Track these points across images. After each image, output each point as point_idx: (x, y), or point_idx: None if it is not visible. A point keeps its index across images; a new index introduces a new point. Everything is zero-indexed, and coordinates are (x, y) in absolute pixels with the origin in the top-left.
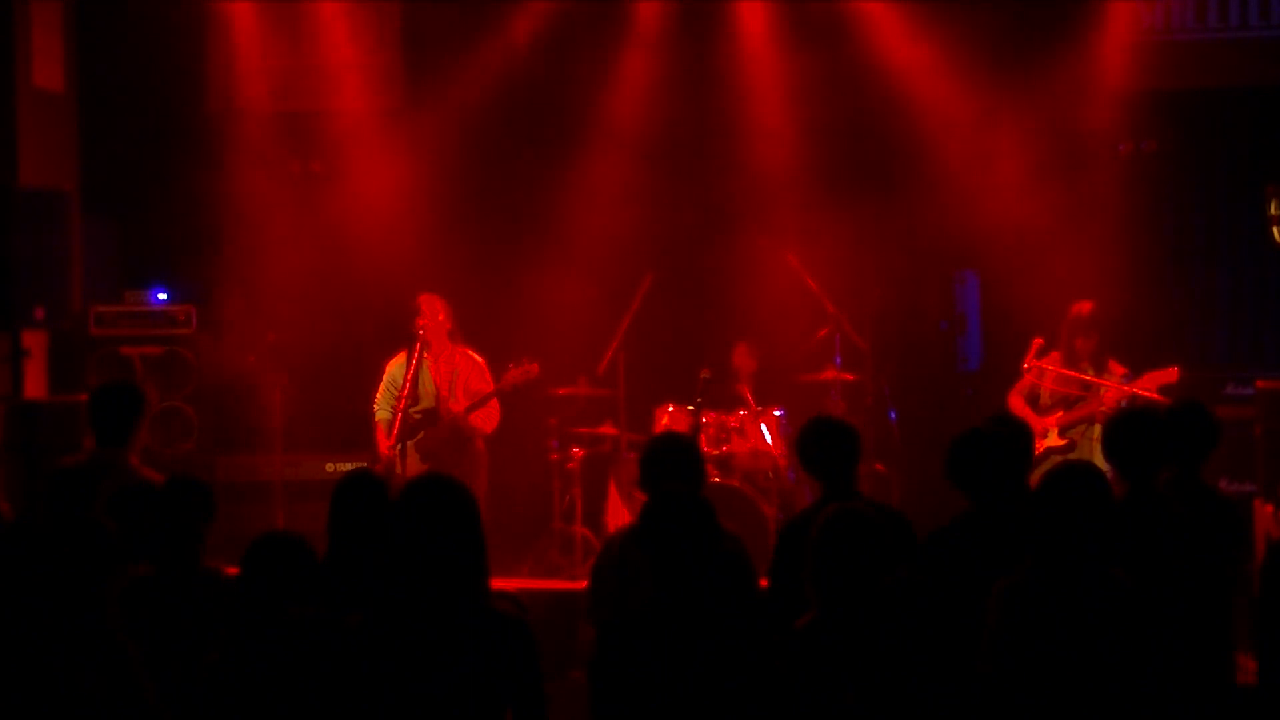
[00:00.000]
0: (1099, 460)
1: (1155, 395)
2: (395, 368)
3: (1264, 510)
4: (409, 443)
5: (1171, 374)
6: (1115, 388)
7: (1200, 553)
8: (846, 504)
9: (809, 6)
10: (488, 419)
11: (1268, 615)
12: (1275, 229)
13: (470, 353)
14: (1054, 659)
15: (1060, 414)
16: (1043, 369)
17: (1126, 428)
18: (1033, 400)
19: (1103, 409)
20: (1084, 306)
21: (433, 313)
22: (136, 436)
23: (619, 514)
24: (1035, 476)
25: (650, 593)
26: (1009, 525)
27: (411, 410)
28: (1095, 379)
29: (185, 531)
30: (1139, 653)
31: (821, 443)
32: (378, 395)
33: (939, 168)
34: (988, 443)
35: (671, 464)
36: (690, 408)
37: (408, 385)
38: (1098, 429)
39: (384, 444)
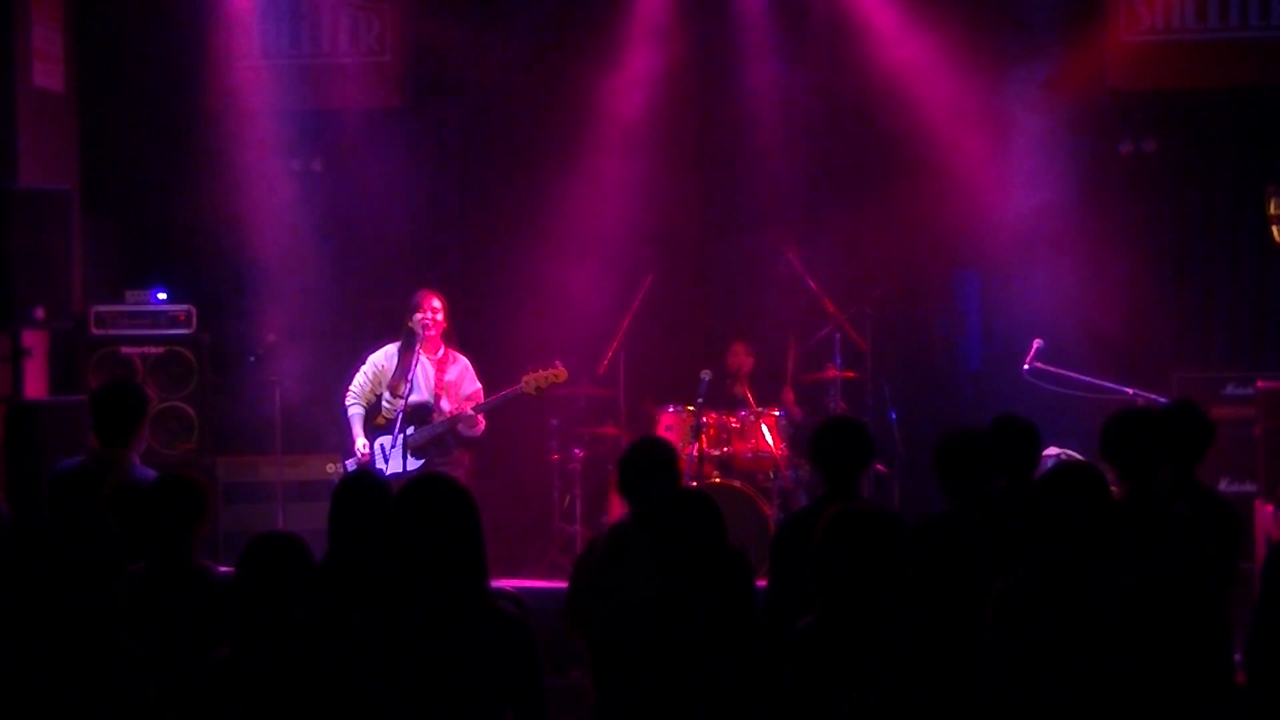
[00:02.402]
0: None
1: (1140, 390)
2: (384, 360)
3: (1264, 510)
4: (400, 437)
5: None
6: (1113, 388)
7: (1200, 553)
8: (850, 504)
9: (810, 5)
10: (479, 423)
11: (1268, 615)
12: (1275, 229)
13: (459, 354)
14: (1054, 659)
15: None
16: (1042, 369)
17: (1124, 428)
18: None
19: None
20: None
21: (435, 311)
22: (138, 437)
23: (619, 514)
24: None
25: (653, 591)
26: (1000, 524)
27: (406, 404)
28: (1076, 375)
29: (176, 529)
30: (1139, 653)
31: (834, 441)
32: (354, 385)
33: (939, 167)
34: (974, 441)
35: (649, 470)
36: (690, 408)
37: (409, 382)
38: None
39: (360, 440)
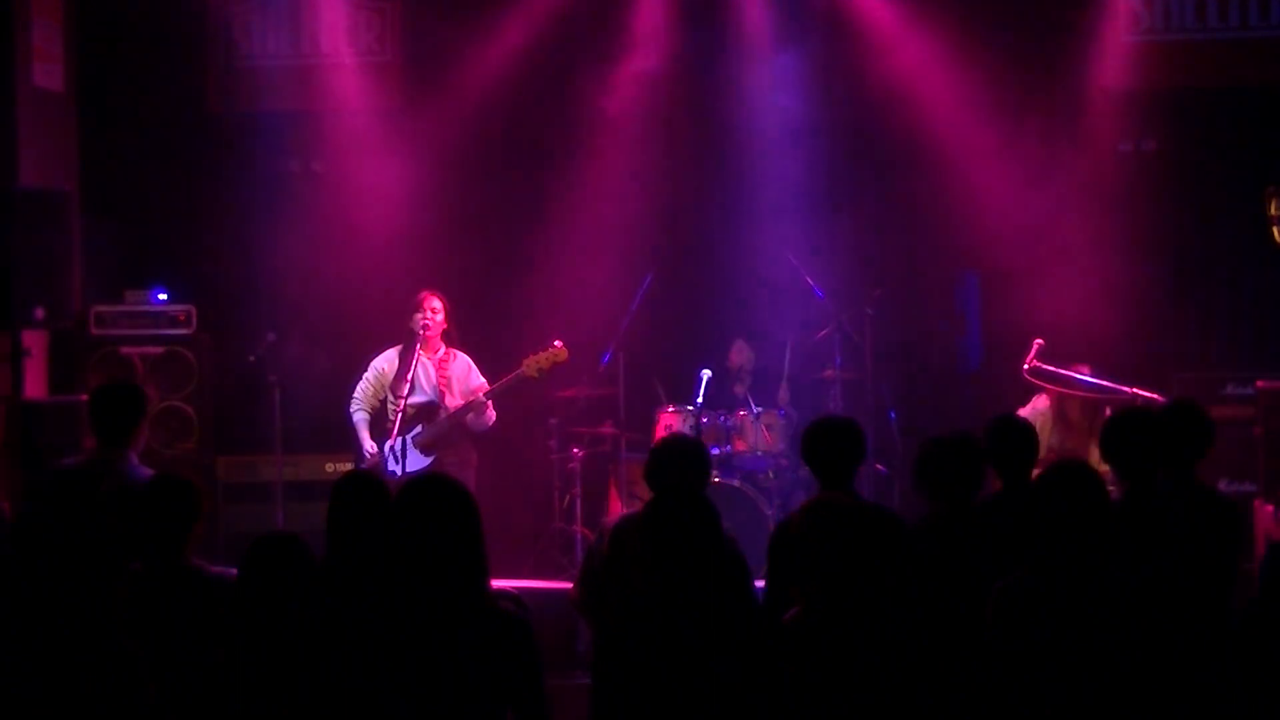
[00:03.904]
0: None
1: (1140, 390)
2: (385, 364)
3: (1264, 510)
4: (406, 437)
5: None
6: (1113, 388)
7: (1200, 553)
8: (827, 498)
9: (811, 4)
10: (490, 414)
11: (1267, 615)
12: (1275, 229)
13: (460, 352)
14: (1053, 659)
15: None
16: (1040, 369)
17: (1124, 428)
18: (1060, 447)
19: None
20: (1083, 369)
21: (434, 311)
22: (137, 436)
23: (619, 513)
24: None
25: (651, 589)
26: (993, 523)
27: (407, 404)
28: (1074, 374)
29: (171, 530)
30: (1138, 653)
31: (823, 440)
32: (357, 392)
33: (939, 168)
34: (966, 447)
35: (678, 465)
36: (690, 408)
37: (408, 382)
38: None
39: (367, 445)
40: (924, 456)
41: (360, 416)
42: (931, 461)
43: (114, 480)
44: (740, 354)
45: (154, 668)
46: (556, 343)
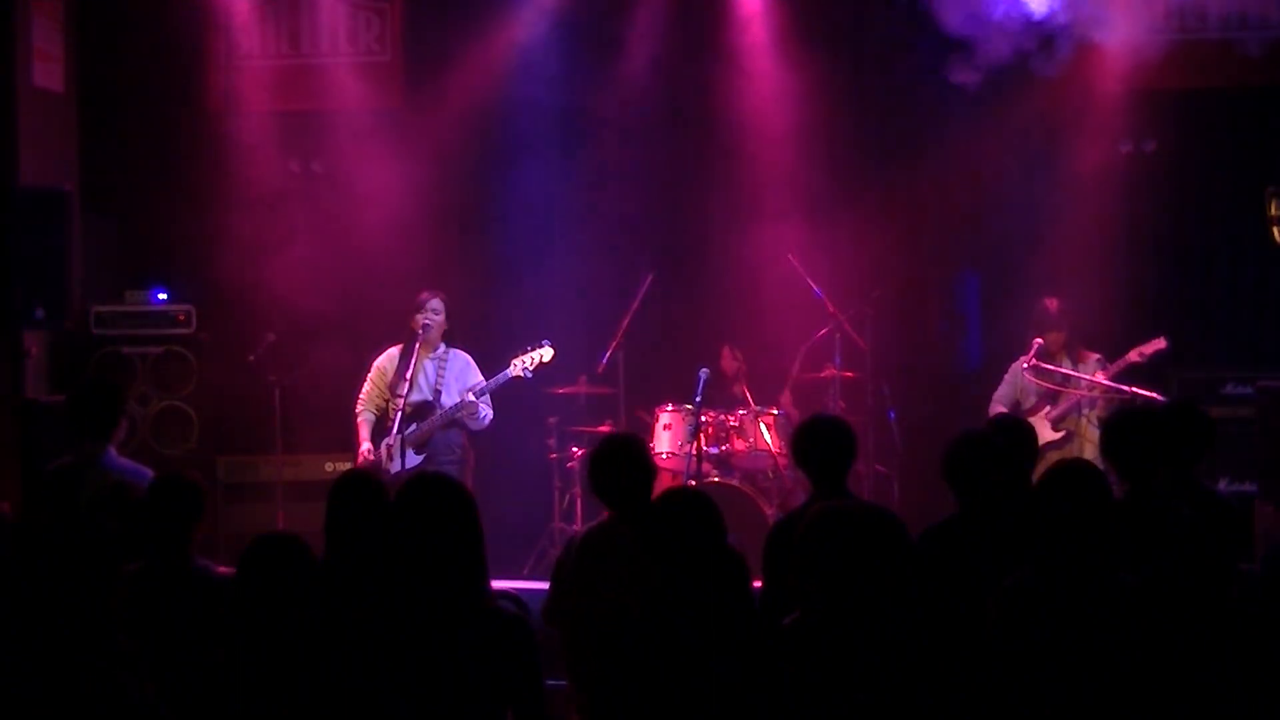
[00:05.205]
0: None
1: (1139, 389)
2: (386, 363)
3: (1264, 510)
4: (403, 436)
5: (1159, 342)
6: (1100, 383)
7: (1200, 553)
8: (831, 502)
9: (811, 5)
10: (485, 413)
11: (1267, 615)
12: (1275, 229)
13: (459, 351)
14: (1054, 659)
15: (1047, 409)
16: (1041, 368)
17: (1125, 428)
18: (1015, 406)
19: (1090, 393)
20: (1051, 302)
21: (435, 311)
22: (116, 431)
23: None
24: (1035, 474)
25: (645, 591)
26: (1003, 525)
27: (406, 403)
28: (1075, 373)
29: (174, 530)
30: (1139, 653)
31: (815, 441)
32: (362, 394)
33: (939, 168)
34: (983, 444)
35: (618, 467)
36: (689, 407)
37: (407, 381)
38: (1090, 415)
39: (363, 446)
40: (957, 453)
41: (364, 418)
42: (964, 458)
43: (95, 475)
44: (727, 360)
45: (154, 668)
46: (544, 342)
